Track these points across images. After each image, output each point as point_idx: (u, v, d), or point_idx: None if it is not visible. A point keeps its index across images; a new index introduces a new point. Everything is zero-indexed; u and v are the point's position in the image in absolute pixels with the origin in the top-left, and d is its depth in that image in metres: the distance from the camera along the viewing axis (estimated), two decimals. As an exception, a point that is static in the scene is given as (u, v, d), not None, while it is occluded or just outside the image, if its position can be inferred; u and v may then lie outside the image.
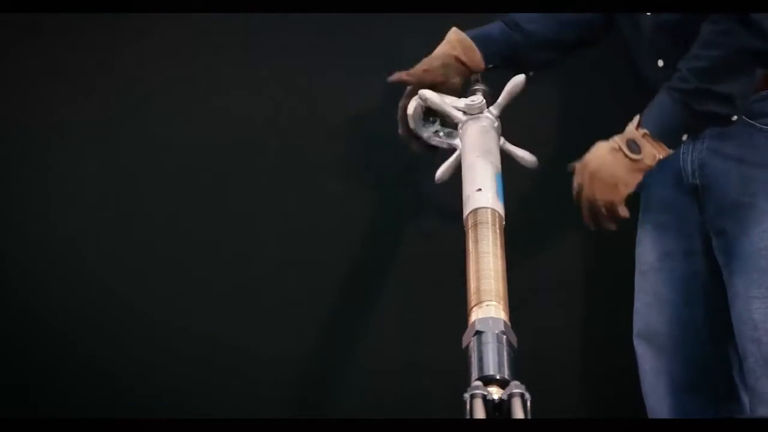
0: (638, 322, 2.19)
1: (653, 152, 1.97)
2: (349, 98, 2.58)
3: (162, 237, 2.61)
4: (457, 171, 2.13)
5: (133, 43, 2.58)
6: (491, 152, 2.08)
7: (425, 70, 2.19)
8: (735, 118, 1.98)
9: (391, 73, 2.22)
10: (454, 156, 2.17)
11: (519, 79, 2.13)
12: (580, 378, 2.66)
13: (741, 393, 2.12)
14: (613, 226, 2.03)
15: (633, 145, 1.98)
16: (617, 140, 1.99)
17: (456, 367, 1.74)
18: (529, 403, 1.57)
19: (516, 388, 1.60)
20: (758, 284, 1.99)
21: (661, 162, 2.08)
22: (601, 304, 2.62)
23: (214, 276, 2.62)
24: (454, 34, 2.21)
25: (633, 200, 2.15)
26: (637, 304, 2.20)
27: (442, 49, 2.21)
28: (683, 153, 2.08)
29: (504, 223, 1.96)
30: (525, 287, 2.45)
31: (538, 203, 2.54)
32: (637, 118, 1.99)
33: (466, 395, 1.59)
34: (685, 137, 1.99)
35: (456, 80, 2.20)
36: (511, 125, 2.18)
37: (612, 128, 2.46)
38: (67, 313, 2.62)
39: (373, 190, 2.63)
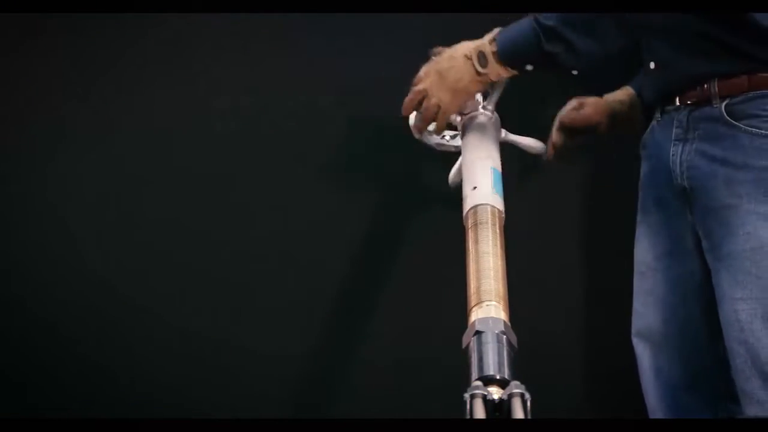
0: (637, 322, 2.19)
1: (498, 71, 2.03)
2: (349, 98, 2.58)
3: (162, 236, 2.61)
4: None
5: (133, 43, 2.58)
6: (489, 148, 2.08)
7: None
8: (575, 72, 2.02)
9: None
10: (461, 158, 2.17)
11: None
12: (580, 378, 2.66)
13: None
14: (426, 136, 2.10)
15: (482, 59, 2.03)
16: (472, 48, 2.04)
17: (456, 367, 1.74)
18: (529, 403, 1.57)
19: (516, 388, 1.60)
20: (743, 286, 1.98)
21: (654, 163, 2.09)
22: (601, 304, 2.62)
23: (215, 275, 2.62)
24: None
25: (629, 202, 2.15)
26: (636, 305, 2.20)
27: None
28: (673, 155, 2.08)
29: (504, 216, 1.95)
30: (525, 287, 2.44)
31: (538, 202, 2.54)
32: (495, 31, 2.04)
33: (466, 395, 1.59)
34: (529, 68, 2.03)
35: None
36: (511, 122, 2.18)
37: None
38: (68, 312, 2.62)
39: (374, 190, 2.63)
